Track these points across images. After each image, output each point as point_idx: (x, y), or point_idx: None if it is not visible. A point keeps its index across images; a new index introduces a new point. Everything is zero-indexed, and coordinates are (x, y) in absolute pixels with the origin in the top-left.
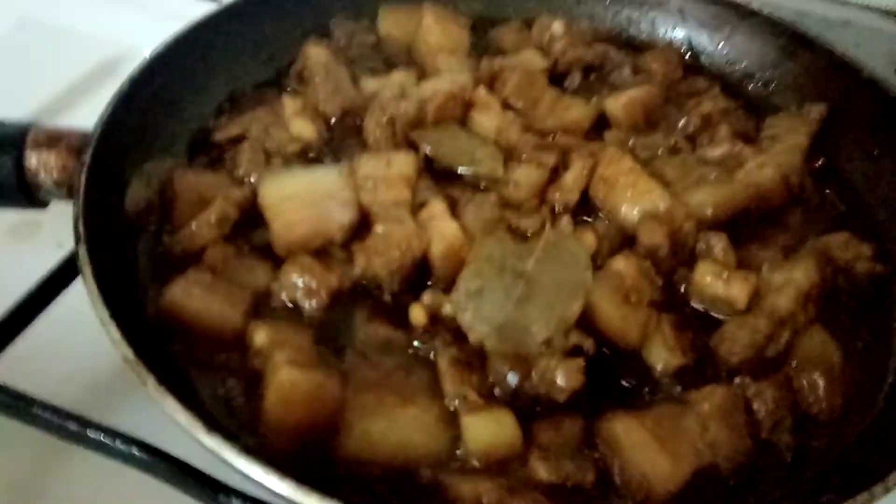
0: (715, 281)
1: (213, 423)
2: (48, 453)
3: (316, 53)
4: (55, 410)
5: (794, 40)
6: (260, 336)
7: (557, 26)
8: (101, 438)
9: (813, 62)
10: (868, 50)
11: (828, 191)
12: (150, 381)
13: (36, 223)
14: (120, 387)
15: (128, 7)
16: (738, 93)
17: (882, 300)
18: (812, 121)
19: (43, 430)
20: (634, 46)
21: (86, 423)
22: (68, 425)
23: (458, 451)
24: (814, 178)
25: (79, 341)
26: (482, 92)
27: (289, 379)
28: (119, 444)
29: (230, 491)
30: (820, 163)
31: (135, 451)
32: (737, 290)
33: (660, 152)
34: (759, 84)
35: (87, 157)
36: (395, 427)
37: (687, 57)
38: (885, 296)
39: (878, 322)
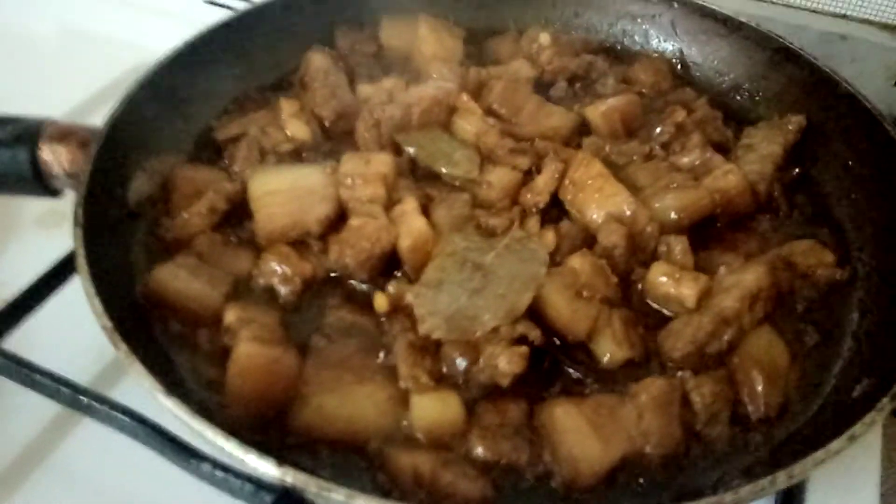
0: (667, 280)
1: (174, 388)
2: (55, 423)
3: (317, 60)
4: (53, 377)
5: (779, 53)
6: (230, 315)
7: (544, 37)
8: (92, 403)
9: (796, 74)
10: (866, 64)
11: (800, 200)
12: (123, 347)
13: (61, 213)
14: (120, 366)
15: (160, 17)
16: (725, 104)
17: (838, 307)
18: (789, 131)
19: (43, 395)
20: (629, 57)
21: (79, 389)
22: (63, 390)
23: (405, 428)
24: (788, 187)
25: (89, 322)
26: (465, 98)
27: (247, 352)
28: (107, 409)
29: (203, 457)
30: (796, 172)
31: (120, 415)
32: (686, 290)
33: (635, 159)
34: (746, 96)
35: (92, 151)
36: (348, 402)
37: (678, 68)
38: (842, 303)
39: (831, 327)
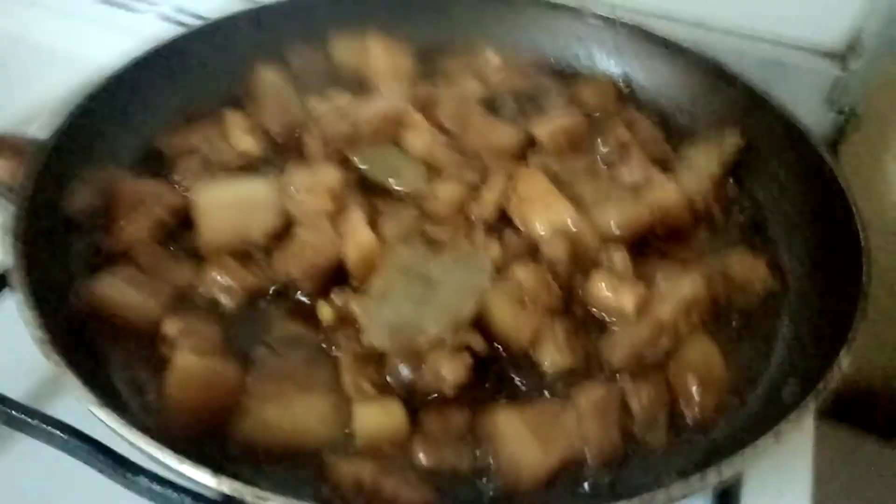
0: (606, 289)
1: (109, 399)
2: None
3: (267, 76)
4: None
5: (719, 76)
6: (169, 326)
7: (494, 57)
8: (22, 416)
9: (734, 96)
10: (801, 87)
11: (736, 214)
12: (55, 358)
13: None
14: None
15: (110, 29)
16: (667, 123)
17: (770, 315)
18: (726, 151)
19: None
20: (576, 77)
21: (7, 402)
22: None
23: (347, 438)
24: (725, 202)
25: (24, 338)
26: (414, 114)
27: (186, 363)
28: (37, 423)
29: (139, 470)
30: (733, 188)
31: (51, 429)
32: (625, 299)
33: (579, 174)
34: (687, 116)
35: (29, 161)
36: (290, 413)
37: (623, 88)
38: (773, 311)
39: (763, 334)
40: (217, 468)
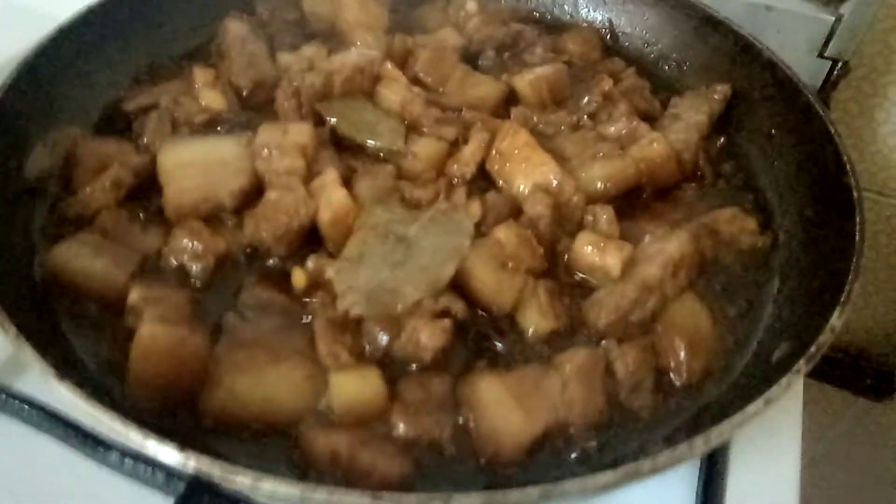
0: (592, 250)
1: (71, 372)
2: None
3: (235, 27)
4: None
5: (705, 22)
6: (134, 294)
7: (471, 5)
8: None
9: (721, 44)
10: (790, 34)
11: (725, 168)
12: (11, 329)
13: None
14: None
15: None
16: (653, 73)
17: (760, 274)
18: (714, 101)
19: None
20: (558, 27)
21: None
22: None
23: (323, 408)
24: (714, 156)
25: None
26: (389, 66)
27: (150, 333)
28: (9, 400)
29: (110, 446)
30: (721, 141)
31: (18, 404)
32: (611, 259)
33: (562, 128)
34: (674, 65)
35: None
36: (262, 383)
37: (608, 38)
38: (763, 270)
39: (752, 294)
40: (186, 443)
